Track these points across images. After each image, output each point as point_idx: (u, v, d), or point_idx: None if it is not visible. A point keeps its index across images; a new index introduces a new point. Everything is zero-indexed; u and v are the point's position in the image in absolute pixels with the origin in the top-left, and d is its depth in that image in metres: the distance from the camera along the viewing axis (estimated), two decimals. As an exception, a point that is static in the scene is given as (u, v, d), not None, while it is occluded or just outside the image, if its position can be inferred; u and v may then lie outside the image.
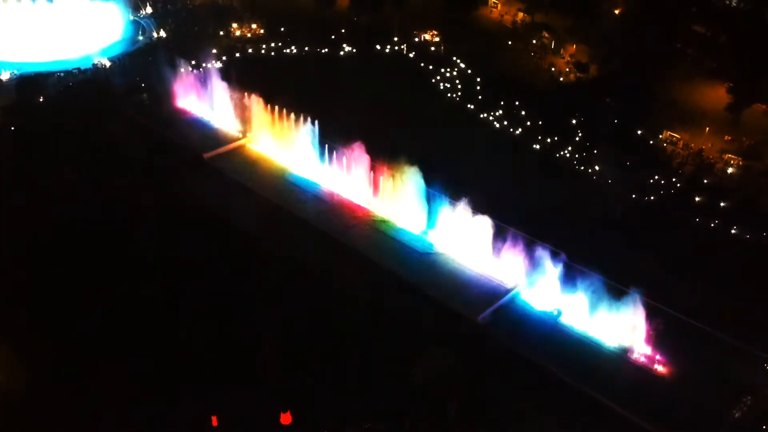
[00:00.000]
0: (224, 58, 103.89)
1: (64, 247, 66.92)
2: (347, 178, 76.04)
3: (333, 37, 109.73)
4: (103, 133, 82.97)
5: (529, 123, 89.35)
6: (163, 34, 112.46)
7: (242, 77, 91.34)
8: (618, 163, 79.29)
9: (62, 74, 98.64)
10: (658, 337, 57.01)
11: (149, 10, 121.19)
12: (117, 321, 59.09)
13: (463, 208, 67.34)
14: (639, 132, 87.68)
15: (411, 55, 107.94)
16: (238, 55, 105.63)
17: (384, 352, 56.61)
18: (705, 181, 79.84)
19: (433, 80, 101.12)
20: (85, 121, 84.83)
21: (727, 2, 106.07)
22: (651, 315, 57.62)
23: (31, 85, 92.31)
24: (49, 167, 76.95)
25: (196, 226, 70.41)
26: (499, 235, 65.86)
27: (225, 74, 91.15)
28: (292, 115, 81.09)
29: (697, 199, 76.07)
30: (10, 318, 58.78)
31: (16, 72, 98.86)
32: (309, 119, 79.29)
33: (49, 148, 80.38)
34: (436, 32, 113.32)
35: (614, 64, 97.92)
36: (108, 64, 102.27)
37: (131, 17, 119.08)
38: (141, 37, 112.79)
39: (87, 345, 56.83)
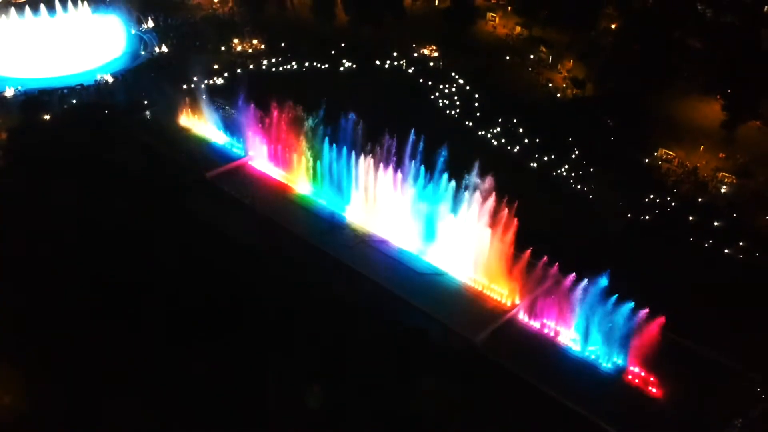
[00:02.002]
0: (226, 74, 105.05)
1: (64, 268, 67.30)
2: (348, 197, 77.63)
3: (333, 52, 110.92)
4: (106, 151, 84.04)
5: (526, 141, 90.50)
6: (165, 49, 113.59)
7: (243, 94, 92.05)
8: (614, 183, 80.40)
9: (66, 91, 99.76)
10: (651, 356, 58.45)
11: (151, 24, 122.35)
12: (117, 343, 59.78)
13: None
14: (634, 150, 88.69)
15: (410, 71, 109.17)
16: (239, 71, 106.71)
17: (381, 373, 57.72)
18: (699, 200, 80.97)
19: (432, 96, 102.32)
20: (88, 140, 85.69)
21: (723, 19, 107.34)
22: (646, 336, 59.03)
23: (35, 104, 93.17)
24: (51, 187, 77.84)
25: (197, 245, 71.64)
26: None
27: (227, 90, 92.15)
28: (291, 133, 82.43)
29: (690, 218, 77.17)
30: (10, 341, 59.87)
31: (20, 88, 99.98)
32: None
33: (52, 168, 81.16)
34: (434, 47, 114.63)
35: (610, 81, 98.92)
36: (110, 80, 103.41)
37: (133, 32, 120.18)
38: (143, 52, 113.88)
39: (88, 368, 57.48)
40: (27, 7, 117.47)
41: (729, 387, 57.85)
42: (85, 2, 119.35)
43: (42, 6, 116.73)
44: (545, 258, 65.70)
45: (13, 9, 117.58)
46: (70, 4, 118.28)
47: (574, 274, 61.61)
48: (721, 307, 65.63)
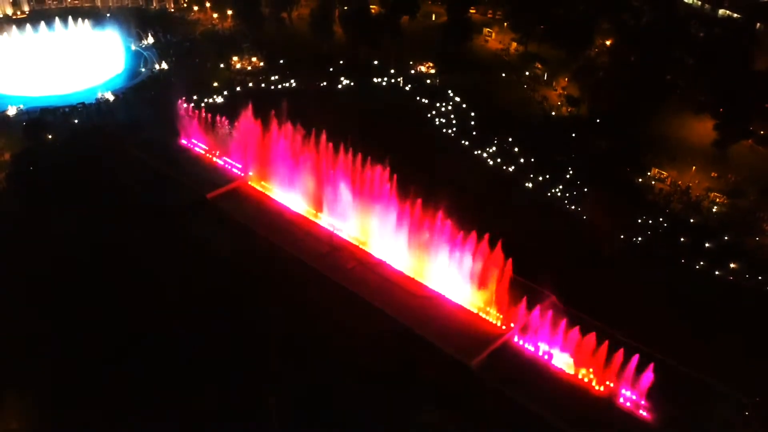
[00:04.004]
0: (225, 92, 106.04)
1: (66, 291, 68.42)
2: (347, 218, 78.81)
3: (331, 69, 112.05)
4: (107, 172, 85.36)
5: (522, 160, 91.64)
6: (165, 65, 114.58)
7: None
8: (607, 204, 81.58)
9: (67, 109, 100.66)
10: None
11: (151, 40, 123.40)
12: (118, 364, 61.27)
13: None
14: (628, 170, 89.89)
15: (407, 88, 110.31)
16: (238, 89, 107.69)
17: (377, 395, 59.10)
18: (692, 220, 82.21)
19: (429, 115, 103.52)
20: (90, 161, 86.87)
21: (716, 37, 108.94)
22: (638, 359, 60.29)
23: (38, 126, 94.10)
24: (53, 209, 79.06)
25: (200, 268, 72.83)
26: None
27: (227, 108, 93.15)
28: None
29: (682, 239, 78.40)
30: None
31: (22, 107, 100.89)
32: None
33: (54, 189, 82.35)
34: (431, 64, 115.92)
35: (605, 99, 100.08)
36: (111, 98, 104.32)
37: (133, 48, 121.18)
38: (143, 69, 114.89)
39: (92, 389, 58.98)
40: (27, 25, 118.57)
41: (720, 411, 58.98)
42: (86, 19, 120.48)
43: (42, 23, 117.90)
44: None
45: (14, 26, 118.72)
46: (70, 20, 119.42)
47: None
48: (713, 329, 67.09)
